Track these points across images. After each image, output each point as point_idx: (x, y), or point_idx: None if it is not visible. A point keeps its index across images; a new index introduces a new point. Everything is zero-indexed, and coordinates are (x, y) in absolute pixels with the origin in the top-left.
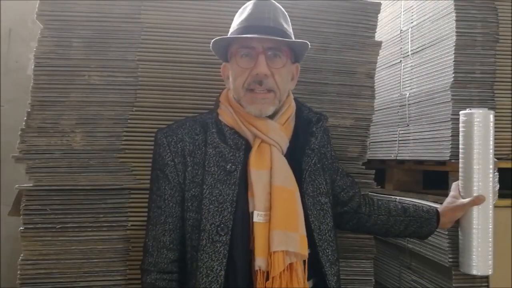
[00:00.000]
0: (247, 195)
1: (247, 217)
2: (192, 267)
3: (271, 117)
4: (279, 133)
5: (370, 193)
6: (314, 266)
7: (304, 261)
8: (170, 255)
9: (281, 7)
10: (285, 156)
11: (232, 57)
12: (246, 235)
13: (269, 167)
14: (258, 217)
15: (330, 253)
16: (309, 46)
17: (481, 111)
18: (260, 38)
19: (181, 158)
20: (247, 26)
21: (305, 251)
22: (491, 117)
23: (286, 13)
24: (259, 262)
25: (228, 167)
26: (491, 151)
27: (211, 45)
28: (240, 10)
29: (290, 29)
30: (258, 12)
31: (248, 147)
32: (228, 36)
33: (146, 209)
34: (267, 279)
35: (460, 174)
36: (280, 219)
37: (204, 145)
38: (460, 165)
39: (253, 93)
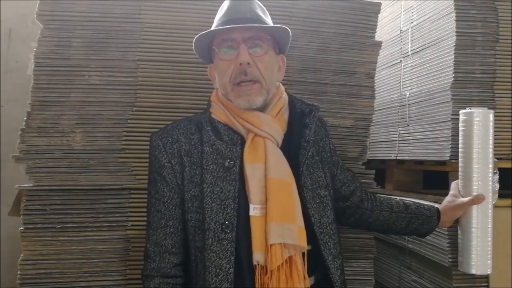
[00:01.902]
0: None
1: (249, 212)
2: (198, 269)
3: (263, 110)
4: (272, 125)
5: None
6: (316, 261)
7: (304, 253)
8: (173, 259)
9: (259, 2)
10: (281, 149)
11: (215, 55)
12: (250, 230)
13: (263, 160)
14: (254, 210)
15: (332, 246)
16: (290, 33)
17: (480, 110)
18: (238, 28)
19: (178, 159)
20: (225, 21)
21: (304, 243)
22: (491, 117)
23: (264, 8)
24: (257, 256)
25: (226, 163)
26: (490, 150)
27: (193, 47)
28: (219, 9)
29: (269, 21)
30: (234, 7)
31: (243, 142)
32: (205, 32)
33: (146, 209)
34: (267, 273)
35: (459, 173)
36: (276, 211)
37: (200, 144)
38: (460, 164)
39: (239, 86)
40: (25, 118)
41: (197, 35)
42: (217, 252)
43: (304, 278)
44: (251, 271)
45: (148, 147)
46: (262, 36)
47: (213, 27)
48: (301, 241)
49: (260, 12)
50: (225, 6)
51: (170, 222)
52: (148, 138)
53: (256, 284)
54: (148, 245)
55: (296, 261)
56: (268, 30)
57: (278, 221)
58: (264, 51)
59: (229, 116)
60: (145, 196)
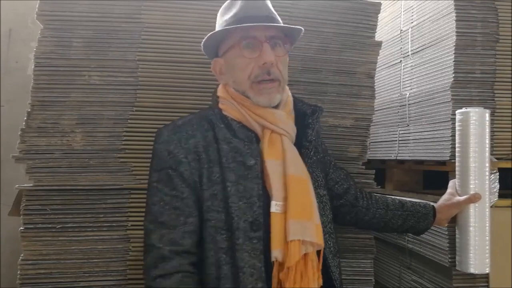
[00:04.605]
0: (266, 187)
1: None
2: (221, 271)
3: (276, 107)
4: (287, 122)
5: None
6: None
7: (319, 251)
8: (191, 258)
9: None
10: None
11: (230, 50)
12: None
13: (281, 157)
14: (275, 207)
15: (332, 245)
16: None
17: (477, 109)
18: (263, 27)
19: (194, 155)
20: (243, 17)
21: (321, 240)
22: (487, 116)
23: None
24: (276, 253)
25: (247, 161)
26: (487, 149)
27: (204, 40)
28: (226, 6)
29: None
30: (251, 4)
31: (258, 140)
32: (231, 27)
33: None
34: (283, 270)
35: (456, 172)
36: (295, 208)
37: (215, 142)
38: (457, 163)
39: (260, 84)
40: (25, 118)
41: (221, 29)
42: (249, 251)
43: (318, 275)
44: (270, 268)
45: (151, 145)
46: (282, 36)
47: (224, 23)
48: (319, 238)
49: (274, 11)
50: (237, 2)
51: (190, 219)
52: (148, 138)
53: (273, 280)
54: (161, 245)
55: (312, 258)
56: (290, 31)
57: (297, 218)
58: (284, 52)
59: (243, 113)
60: (145, 196)
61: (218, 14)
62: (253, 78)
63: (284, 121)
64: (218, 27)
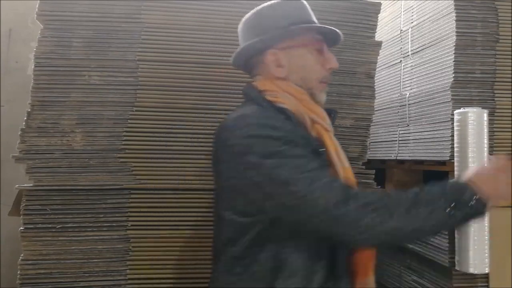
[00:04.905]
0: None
1: None
2: (321, 255)
3: None
4: (329, 120)
5: None
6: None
7: None
8: None
9: None
10: None
11: (299, 47)
12: None
13: (335, 150)
14: None
15: None
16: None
17: (475, 109)
18: (328, 32)
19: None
20: (311, 20)
21: None
22: (485, 116)
23: None
24: None
25: (318, 149)
26: (485, 149)
27: (288, 31)
28: (280, 4)
29: None
30: (308, 9)
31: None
32: (322, 26)
33: (146, 209)
34: None
35: (455, 172)
36: None
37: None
38: (456, 164)
39: (324, 84)
40: (25, 118)
41: (321, 25)
42: None
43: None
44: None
45: (151, 145)
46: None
47: (293, 20)
48: None
49: None
50: (298, 5)
51: None
52: (148, 138)
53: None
54: (333, 179)
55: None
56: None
57: None
58: None
59: (299, 106)
60: (145, 196)
61: (267, 10)
62: (322, 78)
63: (328, 118)
64: (289, 18)
